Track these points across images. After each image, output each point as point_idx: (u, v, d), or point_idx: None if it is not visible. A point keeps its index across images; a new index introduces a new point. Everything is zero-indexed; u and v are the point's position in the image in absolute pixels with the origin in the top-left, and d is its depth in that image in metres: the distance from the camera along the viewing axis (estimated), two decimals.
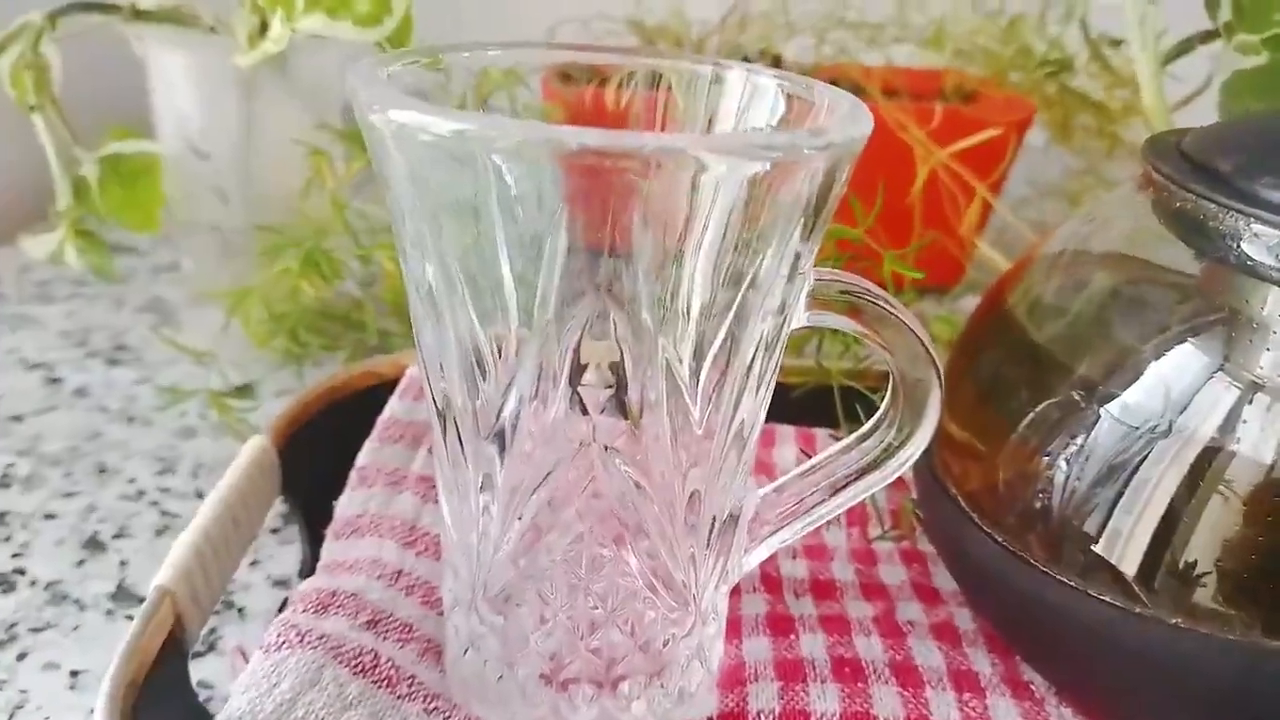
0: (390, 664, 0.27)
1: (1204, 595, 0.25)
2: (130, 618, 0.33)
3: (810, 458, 0.28)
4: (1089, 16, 0.55)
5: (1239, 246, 0.26)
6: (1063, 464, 0.27)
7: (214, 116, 0.47)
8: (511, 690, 0.26)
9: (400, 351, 0.41)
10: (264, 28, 0.44)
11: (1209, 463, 0.25)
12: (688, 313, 0.23)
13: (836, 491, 0.28)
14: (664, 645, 0.26)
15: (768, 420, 0.27)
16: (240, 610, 0.35)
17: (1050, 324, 0.30)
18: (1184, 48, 0.45)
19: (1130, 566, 0.25)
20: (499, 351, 0.23)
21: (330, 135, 0.46)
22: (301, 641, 0.27)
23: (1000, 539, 0.27)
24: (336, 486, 0.34)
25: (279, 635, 0.27)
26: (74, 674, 0.32)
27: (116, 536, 0.38)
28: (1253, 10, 0.40)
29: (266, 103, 0.47)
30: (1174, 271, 0.29)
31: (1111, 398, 0.26)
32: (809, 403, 0.38)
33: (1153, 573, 0.25)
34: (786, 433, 0.40)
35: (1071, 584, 0.26)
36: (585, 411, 0.23)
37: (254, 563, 0.37)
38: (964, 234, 0.50)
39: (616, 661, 0.26)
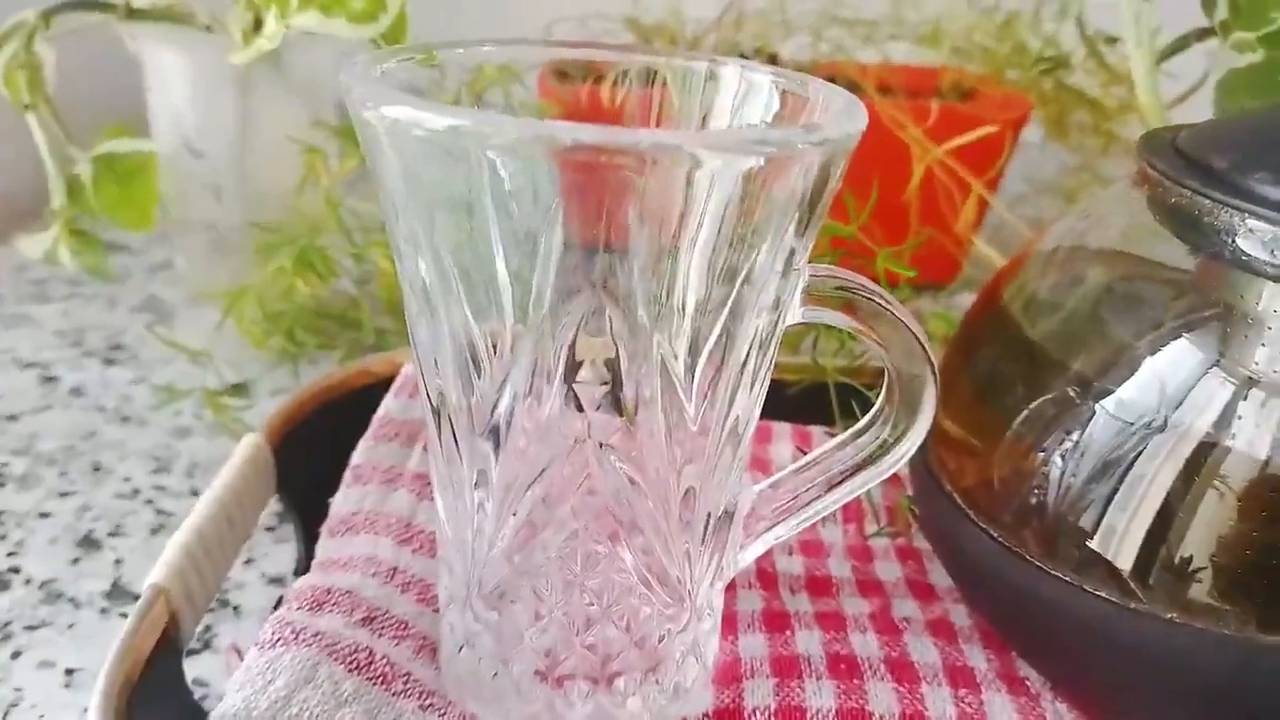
0: (385, 661, 0.27)
1: (1199, 590, 0.25)
2: (125, 616, 0.33)
3: (806, 454, 0.28)
4: (1084, 14, 0.55)
5: (1234, 242, 0.26)
6: (1058, 460, 0.27)
7: (209, 114, 0.47)
8: (506, 687, 0.26)
9: (395, 350, 0.41)
10: (258, 25, 0.44)
11: (1204, 458, 0.25)
12: (683, 309, 0.23)
13: (832, 487, 0.28)
14: (659, 641, 0.26)
15: (764, 417, 0.27)
16: (235, 608, 0.34)
17: (1046, 320, 0.30)
18: (1179, 45, 0.45)
19: (1125, 562, 0.25)
20: (494, 348, 0.23)
21: (325, 132, 0.46)
22: (296, 639, 0.27)
23: (996, 535, 0.27)
24: (331, 484, 0.34)
25: (274, 632, 0.27)
26: (69, 672, 0.32)
27: (111, 535, 0.38)
28: (1249, 8, 0.40)
29: (261, 100, 0.47)
30: (1169, 267, 0.29)
31: (1107, 393, 0.26)
32: (805, 399, 0.38)
33: (1148, 568, 0.25)
34: (782, 429, 0.40)
35: (1067, 579, 0.26)
36: (580, 408, 0.23)
37: (249, 561, 0.36)
38: (960, 231, 0.50)
39: (612, 658, 0.26)
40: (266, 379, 0.48)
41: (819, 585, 0.33)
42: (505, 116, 0.21)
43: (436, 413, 0.25)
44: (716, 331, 0.23)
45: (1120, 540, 0.25)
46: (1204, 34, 0.43)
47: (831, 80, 0.26)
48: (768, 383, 0.26)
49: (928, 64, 0.63)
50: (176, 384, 0.46)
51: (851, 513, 0.36)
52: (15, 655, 0.32)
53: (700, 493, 0.25)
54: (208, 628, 0.33)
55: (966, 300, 0.38)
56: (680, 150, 0.20)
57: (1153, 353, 0.26)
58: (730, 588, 0.31)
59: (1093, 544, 0.26)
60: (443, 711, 0.27)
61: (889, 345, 0.26)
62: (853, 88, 0.53)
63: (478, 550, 0.25)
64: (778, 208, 0.22)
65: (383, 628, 0.28)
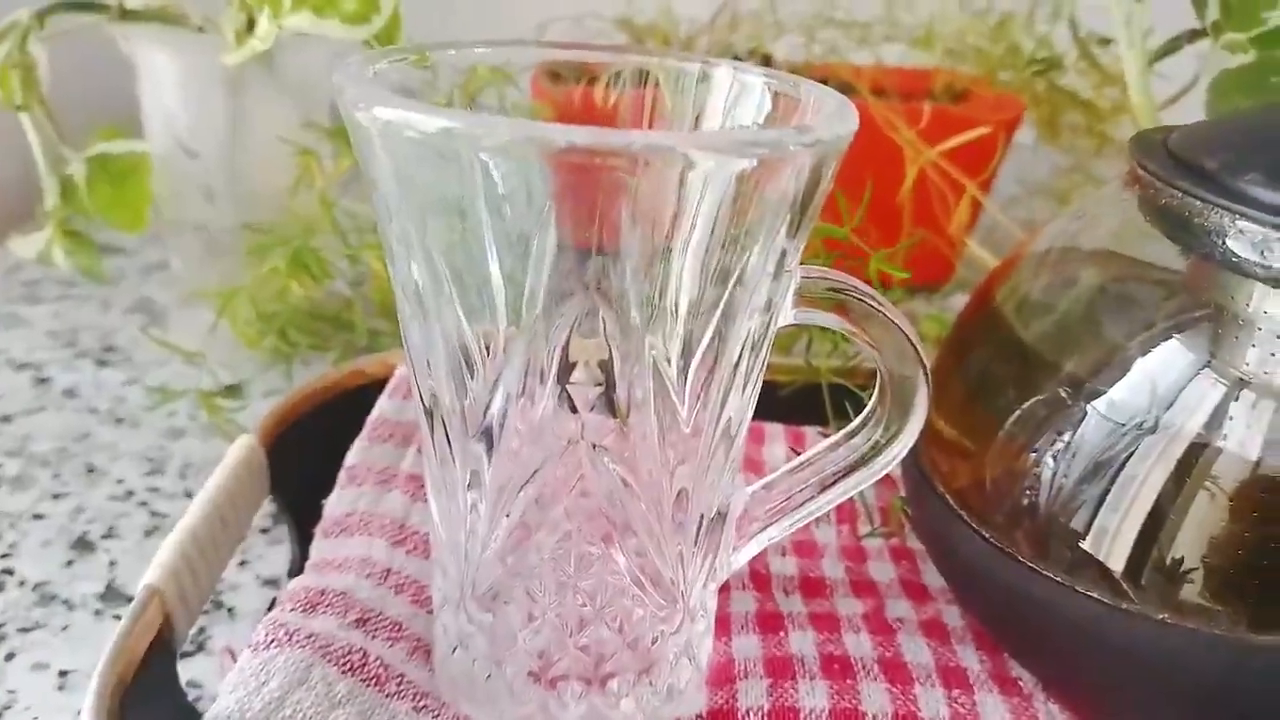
0: (379, 662, 0.27)
1: (1190, 591, 0.25)
2: (119, 617, 0.33)
3: (799, 455, 0.28)
4: (1077, 15, 0.55)
5: (1224, 243, 0.26)
6: (1050, 461, 0.27)
7: (202, 115, 0.47)
8: (500, 688, 0.26)
9: (389, 351, 0.41)
10: (251, 26, 0.44)
11: (1195, 459, 0.25)
12: (676, 310, 0.23)
13: (825, 488, 0.28)
14: (652, 642, 0.26)
15: (757, 418, 0.27)
16: (229, 610, 0.34)
17: (1038, 321, 0.30)
18: (1171, 46, 0.45)
19: (1117, 562, 0.25)
20: (487, 349, 0.23)
21: (318, 133, 0.46)
22: (290, 640, 0.27)
23: (988, 536, 0.28)
24: (325, 486, 0.34)
25: (268, 634, 0.27)
26: (62, 674, 0.32)
27: (105, 537, 0.38)
28: (1240, 9, 0.40)
29: (254, 101, 0.47)
30: (1160, 268, 0.29)
31: (1098, 394, 0.26)
32: (798, 400, 0.38)
33: (1139, 568, 0.25)
34: (776, 430, 0.40)
35: (1059, 580, 0.26)
36: (574, 409, 0.23)
37: (243, 562, 0.36)
38: (953, 232, 0.51)
39: (605, 659, 0.26)
40: (260, 380, 0.48)
41: (812, 586, 0.33)
42: (498, 118, 0.20)
43: (429, 414, 0.25)
44: (709, 333, 0.23)
45: (1112, 541, 0.25)
46: (1196, 35, 0.43)
47: (825, 82, 0.26)
48: (760, 384, 0.26)
49: (921, 66, 0.63)
50: (170, 385, 0.46)
51: (845, 514, 0.36)
52: (9, 657, 0.32)
53: (693, 494, 0.25)
54: (202, 629, 0.33)
55: (960, 302, 0.38)
56: (673, 151, 0.20)
57: (1144, 354, 0.26)
58: (724, 589, 0.31)
59: (1084, 545, 0.26)
60: (436, 713, 0.27)
61: (881, 347, 0.26)
62: (846, 89, 0.53)
63: (471, 552, 0.25)
64: (770, 209, 0.22)
65: (377, 629, 0.28)
